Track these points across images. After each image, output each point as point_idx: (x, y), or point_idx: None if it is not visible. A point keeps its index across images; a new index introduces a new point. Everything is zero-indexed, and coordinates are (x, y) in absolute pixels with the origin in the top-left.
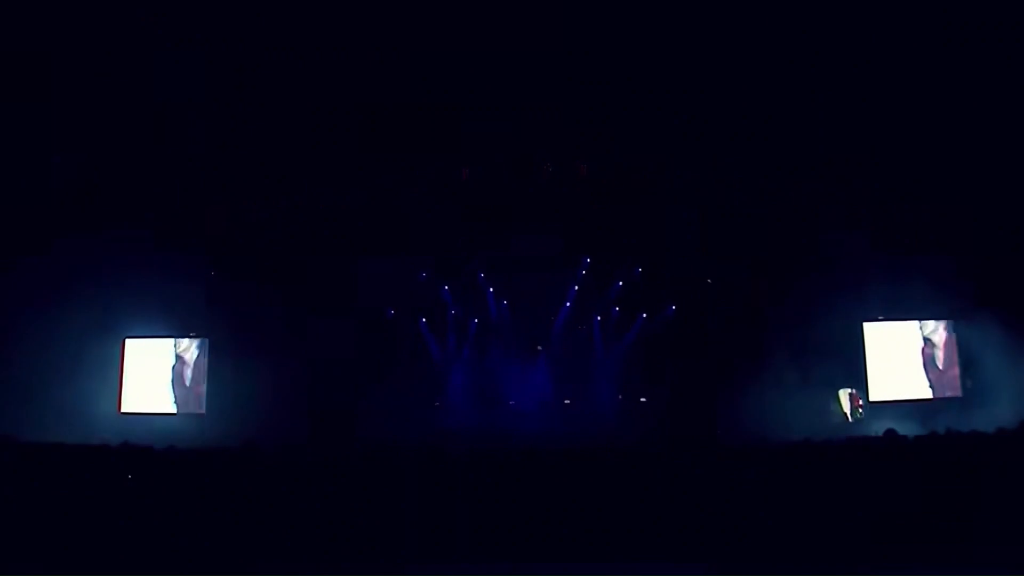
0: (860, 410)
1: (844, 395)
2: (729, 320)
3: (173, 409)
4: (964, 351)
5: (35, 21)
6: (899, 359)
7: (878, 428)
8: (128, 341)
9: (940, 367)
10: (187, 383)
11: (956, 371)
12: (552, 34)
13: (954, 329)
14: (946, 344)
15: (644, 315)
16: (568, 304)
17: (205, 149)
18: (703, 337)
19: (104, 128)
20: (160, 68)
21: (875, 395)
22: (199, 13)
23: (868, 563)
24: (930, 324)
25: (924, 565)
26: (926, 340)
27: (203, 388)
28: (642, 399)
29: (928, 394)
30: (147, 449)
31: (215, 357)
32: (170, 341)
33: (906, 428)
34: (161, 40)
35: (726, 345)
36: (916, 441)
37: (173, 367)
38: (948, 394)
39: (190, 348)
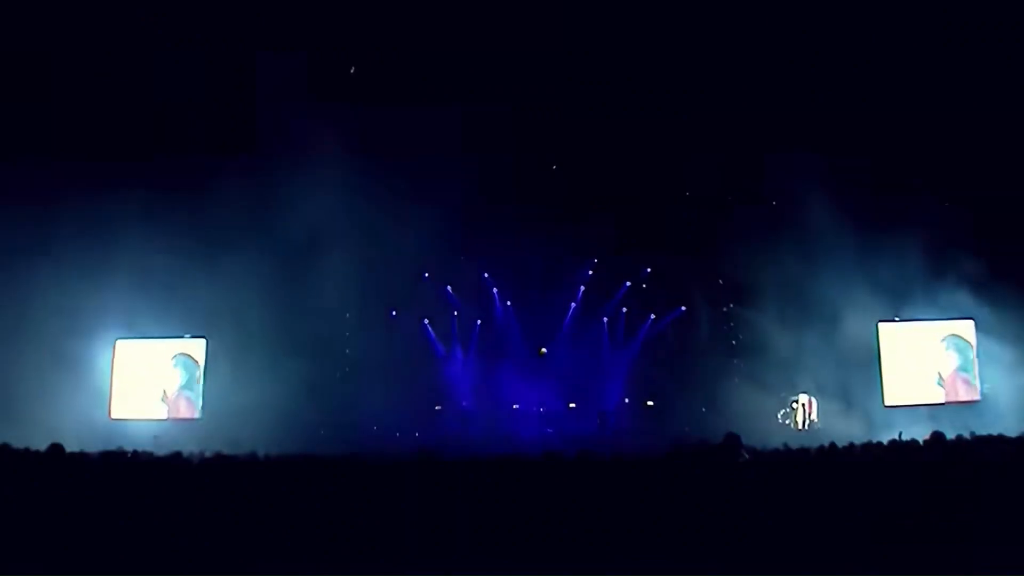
0: (812, 418)
1: (797, 402)
2: (739, 322)
3: (166, 414)
4: (984, 353)
5: (35, 21)
6: (916, 361)
7: (894, 433)
8: (119, 343)
9: (959, 370)
10: (181, 386)
11: (976, 374)
12: (553, 34)
13: (974, 330)
14: (965, 346)
15: (652, 316)
16: (574, 305)
17: (204, 147)
18: (712, 339)
19: (103, 128)
20: (160, 67)
21: (890, 399)
22: (199, 13)
23: (875, 565)
24: (948, 325)
25: (932, 566)
26: (944, 342)
27: (198, 392)
28: (649, 402)
29: (946, 398)
30: (145, 454)
31: (212, 359)
32: (164, 343)
33: (923, 432)
34: (161, 40)
35: (735, 347)
36: (933, 444)
37: (167, 370)
38: (967, 398)
39: (185, 350)
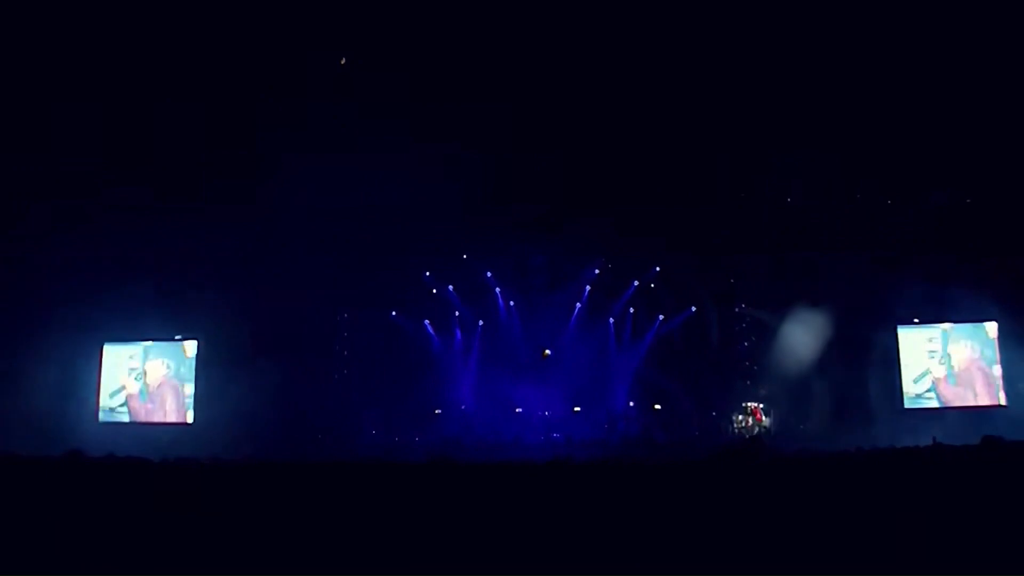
0: (761, 425)
1: (745, 410)
2: (751, 323)
3: (156, 418)
4: (1009, 356)
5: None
6: (935, 365)
7: (913, 437)
8: (107, 346)
9: (981, 373)
10: (172, 389)
11: (1000, 377)
12: (557, 33)
13: (997, 333)
14: (989, 350)
15: (661, 317)
16: (579, 305)
17: (202, 147)
18: (723, 340)
19: (96, 129)
20: (153, 66)
21: (909, 402)
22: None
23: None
24: (970, 328)
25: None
26: (966, 345)
27: (190, 395)
28: (657, 406)
29: (967, 402)
30: (142, 461)
31: (204, 361)
32: (154, 345)
33: (942, 438)
34: (159, 40)
35: (747, 349)
36: (983, 449)
37: (151, 356)
38: (990, 402)
39: (176, 352)
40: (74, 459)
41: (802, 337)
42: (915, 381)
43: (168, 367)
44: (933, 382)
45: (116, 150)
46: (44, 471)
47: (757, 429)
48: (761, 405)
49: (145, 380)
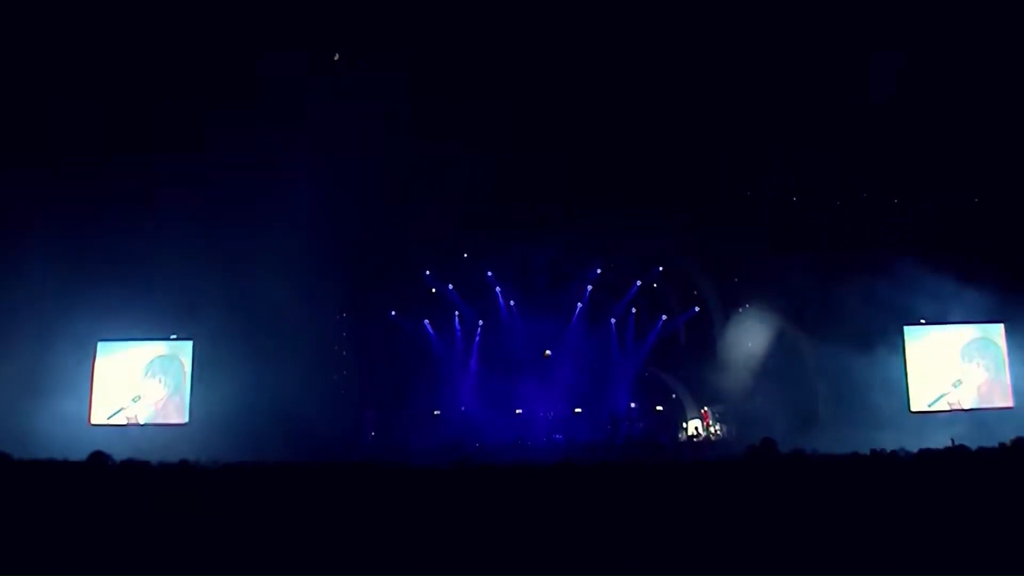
0: (712, 429)
1: (694, 418)
2: (757, 323)
3: (151, 419)
4: (1016, 357)
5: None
6: (943, 366)
7: (921, 439)
8: (100, 345)
9: (990, 375)
10: (167, 390)
11: (1008, 379)
12: (558, 32)
13: (1004, 334)
14: (996, 350)
15: (664, 317)
16: (580, 306)
17: (194, 143)
18: (726, 341)
19: (88, 126)
20: (149, 64)
21: (916, 404)
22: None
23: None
24: (978, 328)
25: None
26: (973, 346)
27: (186, 396)
28: (658, 407)
29: (976, 404)
30: (141, 464)
31: (200, 361)
32: (148, 344)
33: (954, 438)
34: (159, 40)
35: (751, 349)
36: (972, 454)
37: (151, 373)
38: (999, 404)
39: (171, 351)
40: (97, 461)
41: (748, 335)
42: (929, 404)
43: (165, 384)
44: (949, 404)
45: (116, 150)
46: (47, 473)
47: (704, 435)
48: (711, 409)
49: (143, 402)
